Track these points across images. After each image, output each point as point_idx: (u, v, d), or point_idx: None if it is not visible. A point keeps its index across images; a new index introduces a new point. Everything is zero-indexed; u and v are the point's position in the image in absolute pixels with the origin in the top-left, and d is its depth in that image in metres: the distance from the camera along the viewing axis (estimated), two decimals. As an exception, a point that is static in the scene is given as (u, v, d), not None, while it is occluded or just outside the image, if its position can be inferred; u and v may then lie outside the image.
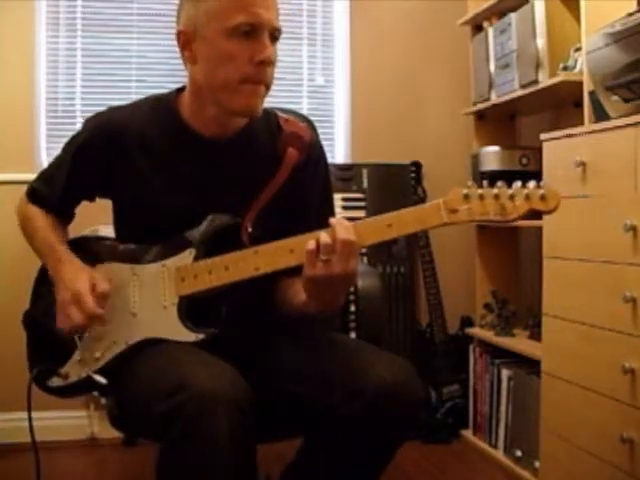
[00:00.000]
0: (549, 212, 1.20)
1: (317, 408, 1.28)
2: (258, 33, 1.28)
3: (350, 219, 1.25)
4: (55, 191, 1.48)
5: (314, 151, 1.47)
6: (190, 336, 1.31)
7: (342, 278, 1.20)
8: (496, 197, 1.19)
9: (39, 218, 1.48)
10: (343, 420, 1.24)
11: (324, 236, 1.20)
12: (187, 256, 1.35)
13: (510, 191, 1.19)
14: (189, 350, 1.28)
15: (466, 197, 1.20)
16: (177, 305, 1.33)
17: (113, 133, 1.40)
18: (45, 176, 1.52)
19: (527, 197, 1.19)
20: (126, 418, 1.45)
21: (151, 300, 1.35)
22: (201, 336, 1.31)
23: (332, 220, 1.22)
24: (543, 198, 1.18)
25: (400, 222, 1.23)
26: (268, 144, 1.42)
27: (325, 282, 1.21)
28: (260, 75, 1.30)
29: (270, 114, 1.45)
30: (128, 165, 1.39)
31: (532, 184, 1.20)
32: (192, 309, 1.34)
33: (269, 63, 1.30)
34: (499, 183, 1.20)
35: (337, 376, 1.26)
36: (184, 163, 1.40)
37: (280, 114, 1.46)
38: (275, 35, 1.31)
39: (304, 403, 1.30)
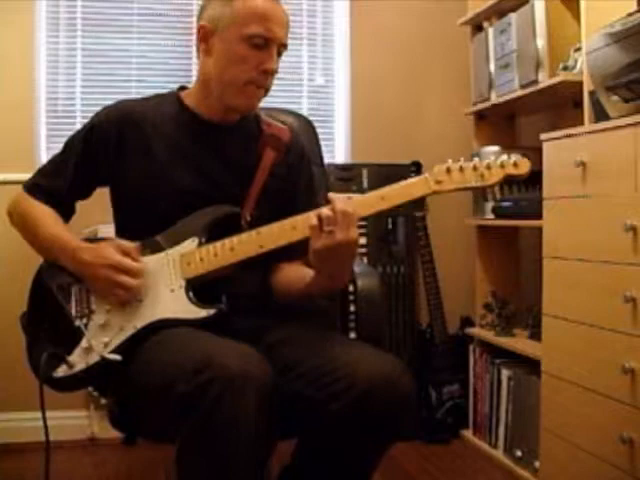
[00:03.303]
0: (522, 176, 1.36)
1: (309, 405, 1.28)
2: (269, 46, 1.43)
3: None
4: (61, 181, 1.51)
5: (293, 150, 1.59)
6: (200, 312, 1.35)
7: (346, 246, 1.28)
8: (475, 168, 1.36)
9: (41, 212, 1.50)
10: (334, 417, 1.24)
11: (325, 210, 1.29)
12: (191, 244, 1.40)
13: (486, 162, 1.36)
14: (209, 333, 1.29)
15: (448, 170, 1.37)
16: (185, 288, 1.37)
17: (122, 116, 1.50)
18: (47, 170, 1.55)
19: (502, 165, 1.36)
20: (134, 409, 1.40)
21: (157, 286, 1.38)
22: (212, 311, 1.34)
23: (330, 195, 1.31)
24: (515, 165, 1.36)
25: (392, 194, 1.36)
26: (253, 138, 1.55)
27: (331, 252, 1.29)
28: (263, 81, 1.45)
29: (255, 114, 1.58)
30: (135, 145, 1.47)
31: (504, 156, 1.37)
32: (196, 296, 1.37)
33: (272, 73, 1.45)
34: (475, 158, 1.40)
35: (327, 373, 1.27)
36: (187, 144, 1.49)
37: (263, 117, 1.60)
38: (281, 50, 1.46)
39: (296, 401, 1.30)
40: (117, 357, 1.34)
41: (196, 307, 1.36)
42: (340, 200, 1.30)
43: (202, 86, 1.50)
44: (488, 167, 1.36)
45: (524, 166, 1.37)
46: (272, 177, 1.53)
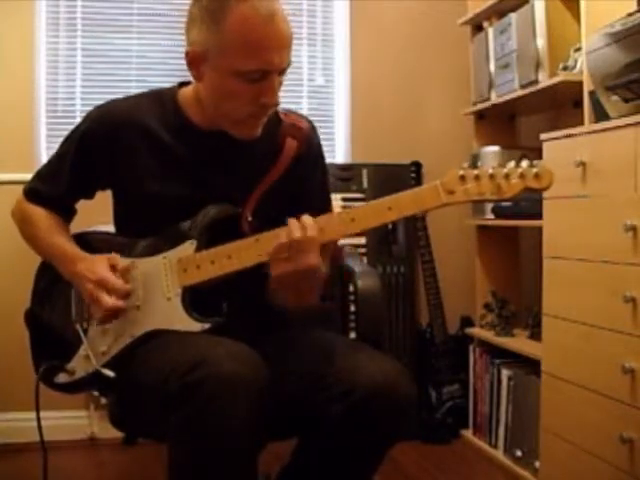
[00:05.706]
0: (543, 190, 1.23)
1: (309, 407, 1.28)
2: (267, 77, 1.30)
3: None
4: (58, 187, 1.47)
5: (313, 142, 1.50)
6: (196, 326, 1.31)
7: (302, 273, 1.23)
8: (492, 177, 1.22)
9: (41, 219, 1.47)
10: (335, 419, 1.24)
11: (282, 236, 1.23)
12: (188, 247, 1.35)
13: (505, 170, 1.22)
14: (205, 335, 1.28)
15: (462, 178, 1.22)
16: (181, 296, 1.34)
17: (116, 121, 1.42)
18: (44, 174, 1.52)
19: (522, 176, 1.21)
20: (132, 407, 1.41)
21: (154, 292, 1.36)
22: (207, 325, 1.31)
23: (290, 220, 1.24)
24: (537, 176, 1.21)
25: (399, 205, 1.25)
26: (268, 134, 1.43)
27: (289, 278, 1.24)
28: (262, 113, 1.34)
29: None
30: (130, 153, 1.41)
31: (525, 163, 1.22)
32: (193, 305, 1.34)
33: (273, 105, 1.34)
34: (493, 163, 1.25)
35: (328, 375, 1.26)
36: (184, 152, 1.41)
37: (279, 108, 1.48)
38: (284, 71, 1.33)
39: (297, 402, 1.30)
40: (110, 374, 1.33)
41: (192, 319, 1.32)
42: (296, 226, 1.22)
43: (198, 98, 1.39)
44: (506, 177, 1.21)
45: (547, 179, 1.21)
46: (289, 169, 1.44)
